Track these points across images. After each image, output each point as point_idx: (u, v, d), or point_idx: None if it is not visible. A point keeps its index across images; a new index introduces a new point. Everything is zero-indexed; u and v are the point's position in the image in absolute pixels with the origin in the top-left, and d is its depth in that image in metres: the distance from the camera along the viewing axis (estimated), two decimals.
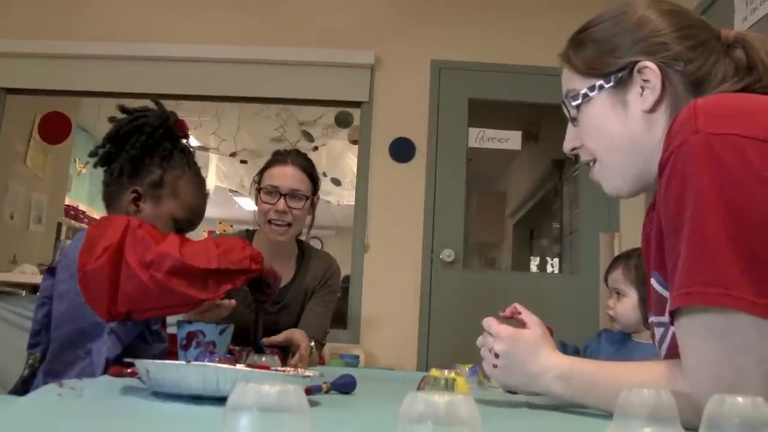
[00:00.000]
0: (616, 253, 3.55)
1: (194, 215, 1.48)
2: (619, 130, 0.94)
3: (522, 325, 1.03)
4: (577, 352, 2.03)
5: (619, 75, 0.92)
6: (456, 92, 3.81)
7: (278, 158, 2.07)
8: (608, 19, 0.96)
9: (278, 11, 3.94)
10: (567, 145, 1.02)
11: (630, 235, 3.58)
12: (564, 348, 1.99)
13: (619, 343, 1.97)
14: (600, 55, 0.94)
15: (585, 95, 0.96)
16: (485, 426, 0.40)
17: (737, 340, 0.71)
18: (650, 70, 0.90)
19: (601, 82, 0.94)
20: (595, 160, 0.98)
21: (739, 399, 0.43)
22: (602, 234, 3.63)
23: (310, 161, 2.12)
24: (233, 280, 1.27)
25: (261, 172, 2.08)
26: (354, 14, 3.93)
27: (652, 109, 0.91)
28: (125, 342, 1.25)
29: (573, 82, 0.98)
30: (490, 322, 1.03)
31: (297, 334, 1.79)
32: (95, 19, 3.92)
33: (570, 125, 1.01)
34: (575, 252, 3.91)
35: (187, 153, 1.50)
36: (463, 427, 0.39)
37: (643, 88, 0.91)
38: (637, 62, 0.91)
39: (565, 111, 1.00)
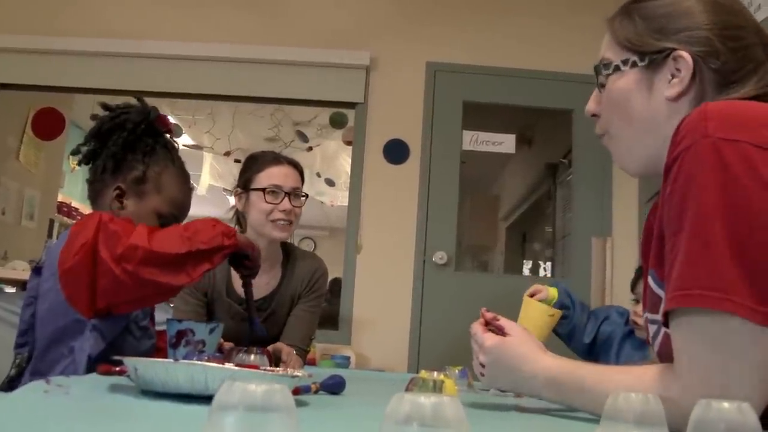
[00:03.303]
0: (609, 257, 3.56)
1: (179, 210, 1.47)
2: (639, 110, 0.94)
3: (500, 330, 1.02)
4: (583, 307, 2.06)
5: (654, 57, 0.92)
6: (451, 95, 3.81)
7: (271, 158, 2.06)
8: None
9: (274, 10, 3.94)
10: (589, 109, 1.02)
11: (622, 239, 3.59)
12: (570, 297, 2.03)
13: (640, 347, 2.01)
14: (643, 32, 0.94)
15: (617, 67, 0.96)
16: (473, 429, 0.40)
17: (732, 346, 0.71)
18: (684, 60, 0.89)
19: (635, 58, 0.94)
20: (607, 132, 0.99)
21: (725, 404, 0.43)
22: (594, 238, 3.64)
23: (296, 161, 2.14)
24: (210, 259, 1.25)
25: (251, 174, 2.05)
26: (350, 15, 3.93)
27: (676, 99, 0.91)
28: (108, 338, 1.25)
29: (610, 50, 0.98)
30: (476, 330, 1.03)
31: (279, 345, 1.84)
32: (90, 16, 3.90)
33: (596, 90, 1.01)
34: (567, 256, 3.91)
35: (171, 148, 1.49)
36: (449, 429, 0.38)
37: (673, 75, 0.91)
38: (675, 49, 0.90)
39: (596, 76, 1.00)
